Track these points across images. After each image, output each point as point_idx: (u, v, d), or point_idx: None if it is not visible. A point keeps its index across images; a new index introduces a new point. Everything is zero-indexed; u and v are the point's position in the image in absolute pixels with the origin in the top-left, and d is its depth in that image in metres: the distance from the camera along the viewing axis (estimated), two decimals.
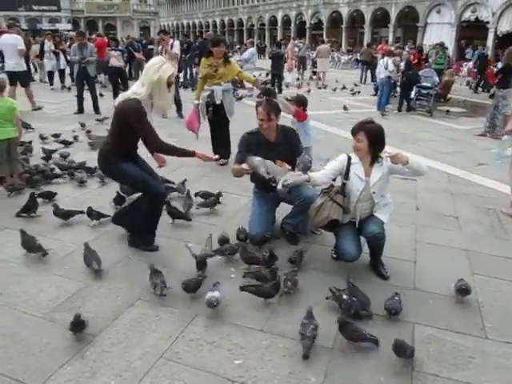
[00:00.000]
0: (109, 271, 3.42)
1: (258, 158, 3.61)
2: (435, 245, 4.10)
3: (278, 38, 34.96)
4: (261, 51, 35.11)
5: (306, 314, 2.76)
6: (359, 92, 14.92)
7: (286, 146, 3.55)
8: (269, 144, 3.79)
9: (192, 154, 3.60)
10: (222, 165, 6.18)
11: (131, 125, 3.39)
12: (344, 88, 15.97)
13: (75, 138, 7.33)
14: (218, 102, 6.19)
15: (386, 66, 11.97)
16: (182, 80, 13.73)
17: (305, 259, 3.66)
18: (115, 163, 3.57)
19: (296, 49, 19.14)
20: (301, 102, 5.70)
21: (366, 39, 33.44)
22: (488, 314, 3.06)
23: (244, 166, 3.66)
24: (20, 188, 5.02)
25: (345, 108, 11.80)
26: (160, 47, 9.46)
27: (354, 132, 3.34)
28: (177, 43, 9.43)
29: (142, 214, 3.71)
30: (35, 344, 2.63)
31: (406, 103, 12.07)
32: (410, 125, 10.38)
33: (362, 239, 3.56)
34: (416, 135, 9.19)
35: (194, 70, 15.12)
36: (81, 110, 9.88)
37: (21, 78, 9.49)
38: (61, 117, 9.65)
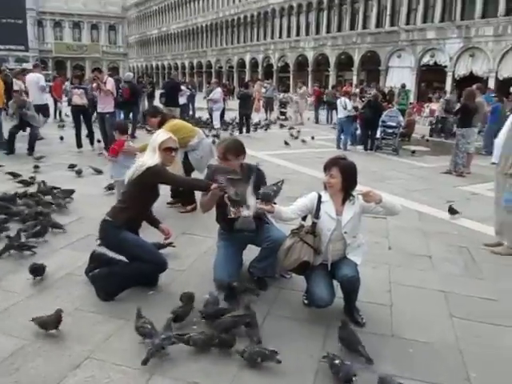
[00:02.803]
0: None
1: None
2: (410, 286, 3.90)
3: (246, 80, 35.62)
4: (230, 92, 35.62)
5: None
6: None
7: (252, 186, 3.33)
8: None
9: (207, 186, 3.50)
10: (183, 212, 5.80)
11: (158, 183, 3.71)
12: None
13: (32, 178, 6.93)
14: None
15: (344, 106, 12.21)
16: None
17: (275, 305, 3.41)
18: (123, 232, 3.50)
19: (263, 90, 19.40)
20: (121, 130, 5.55)
21: (331, 81, 34.48)
22: (472, 363, 2.84)
23: (213, 187, 3.40)
24: None
25: (286, 143, 12.30)
26: (95, 85, 9.35)
27: (328, 167, 3.18)
28: (110, 80, 9.51)
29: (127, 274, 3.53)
30: None
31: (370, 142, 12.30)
32: (377, 163, 10.45)
33: (335, 283, 3.32)
34: (384, 173, 9.21)
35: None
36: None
37: (41, 110, 11.09)
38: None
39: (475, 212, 6.40)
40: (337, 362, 2.55)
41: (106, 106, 9.21)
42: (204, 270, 3.85)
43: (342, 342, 2.84)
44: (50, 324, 2.89)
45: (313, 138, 13.69)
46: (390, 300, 3.62)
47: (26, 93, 10.63)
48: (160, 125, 5.67)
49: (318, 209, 3.20)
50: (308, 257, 3.15)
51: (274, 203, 3.41)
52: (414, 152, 11.98)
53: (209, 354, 2.78)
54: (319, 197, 3.24)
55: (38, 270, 3.64)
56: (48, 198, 5.80)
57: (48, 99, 12.66)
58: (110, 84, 9.14)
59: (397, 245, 4.94)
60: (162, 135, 3.69)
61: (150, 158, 3.55)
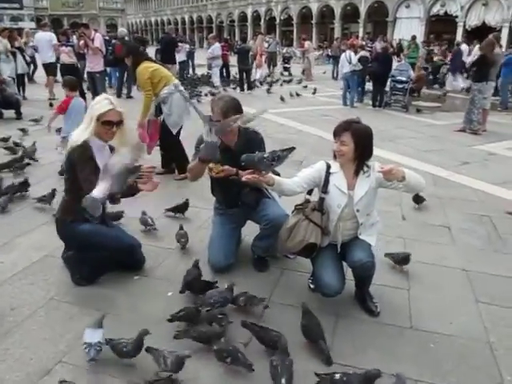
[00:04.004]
0: (27, 320, 2.66)
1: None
2: (429, 264, 3.48)
3: (249, 35, 34.24)
4: (231, 48, 34.37)
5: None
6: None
7: (249, 153, 2.84)
8: (227, 151, 3.09)
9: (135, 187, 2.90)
10: (177, 180, 5.31)
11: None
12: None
13: (16, 144, 6.46)
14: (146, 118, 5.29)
15: (349, 60, 11.49)
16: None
17: (276, 290, 3.02)
18: (77, 225, 2.95)
19: (265, 44, 18.44)
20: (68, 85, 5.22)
21: (337, 35, 33.10)
22: (505, 361, 2.44)
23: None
24: None
25: (282, 99, 11.89)
26: (81, 42, 8.67)
27: (338, 132, 2.67)
28: (98, 36, 8.77)
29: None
30: None
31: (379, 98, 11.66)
32: (386, 121, 9.84)
33: (345, 266, 2.90)
34: (393, 132, 8.66)
35: None
36: None
37: (51, 68, 10.82)
38: None
39: (495, 175, 5.93)
40: (337, 376, 2.13)
41: (95, 64, 8.58)
42: (197, 248, 3.44)
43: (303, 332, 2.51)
44: None
45: (298, 94, 13.08)
46: (407, 282, 3.21)
47: (13, 53, 10.04)
48: (134, 66, 5.12)
49: (327, 181, 2.73)
50: (315, 238, 2.71)
51: (278, 174, 2.97)
52: (419, 110, 11.25)
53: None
54: (328, 167, 2.76)
55: None
56: None
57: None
58: (98, 40, 8.48)
59: (411, 214, 4.51)
60: (102, 104, 2.91)
61: (81, 132, 2.91)
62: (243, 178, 2.55)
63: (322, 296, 2.80)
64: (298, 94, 12.91)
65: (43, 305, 2.80)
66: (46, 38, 10.72)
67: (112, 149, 3.05)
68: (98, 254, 2.99)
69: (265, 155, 2.59)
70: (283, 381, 2.09)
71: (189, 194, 4.65)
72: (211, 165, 2.97)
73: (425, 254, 3.63)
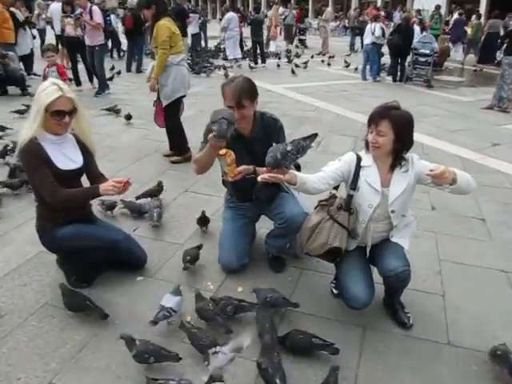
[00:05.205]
0: (16, 330, 2.37)
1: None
2: (465, 265, 3.12)
3: (262, 5, 33.05)
4: (244, 19, 33.40)
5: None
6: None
7: (265, 143, 2.46)
8: (242, 139, 2.72)
9: (97, 192, 2.53)
10: (173, 162, 4.99)
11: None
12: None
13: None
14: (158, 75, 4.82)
15: (372, 31, 10.84)
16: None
17: (295, 295, 2.70)
18: (56, 231, 2.62)
19: (281, 15, 17.71)
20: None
21: (354, 5, 31.83)
22: None
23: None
24: None
25: (292, 72, 11.74)
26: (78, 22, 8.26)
27: (374, 120, 2.25)
28: (96, 9, 8.21)
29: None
30: None
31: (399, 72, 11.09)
32: (408, 97, 9.29)
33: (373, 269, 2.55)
34: (416, 109, 8.02)
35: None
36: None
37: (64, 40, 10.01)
38: None
39: None
40: None
41: (95, 38, 8.18)
42: (208, 243, 3.12)
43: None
44: None
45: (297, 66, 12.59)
46: (441, 286, 2.85)
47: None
48: (155, 20, 4.65)
49: (357, 176, 2.36)
50: (340, 241, 2.35)
51: (299, 166, 2.61)
52: (431, 86, 10.57)
53: None
54: (358, 159, 2.38)
55: None
56: None
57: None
58: (98, 16, 8.04)
59: (441, 203, 4.11)
60: (48, 92, 2.45)
61: (28, 127, 2.49)
62: (259, 178, 2.18)
63: (348, 308, 2.47)
64: (296, 66, 12.49)
65: (35, 311, 2.51)
66: (58, 9, 10.44)
67: (78, 140, 2.68)
68: (92, 254, 2.67)
69: (288, 148, 2.20)
70: (277, 380, 1.96)
71: (199, 179, 4.31)
72: (226, 169, 2.59)
73: (459, 252, 3.28)
